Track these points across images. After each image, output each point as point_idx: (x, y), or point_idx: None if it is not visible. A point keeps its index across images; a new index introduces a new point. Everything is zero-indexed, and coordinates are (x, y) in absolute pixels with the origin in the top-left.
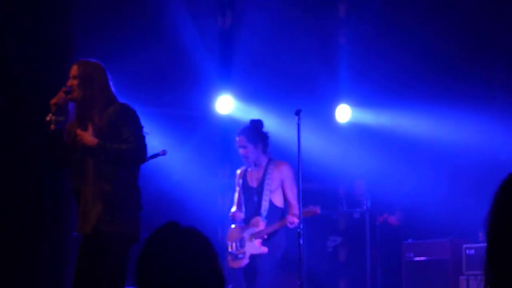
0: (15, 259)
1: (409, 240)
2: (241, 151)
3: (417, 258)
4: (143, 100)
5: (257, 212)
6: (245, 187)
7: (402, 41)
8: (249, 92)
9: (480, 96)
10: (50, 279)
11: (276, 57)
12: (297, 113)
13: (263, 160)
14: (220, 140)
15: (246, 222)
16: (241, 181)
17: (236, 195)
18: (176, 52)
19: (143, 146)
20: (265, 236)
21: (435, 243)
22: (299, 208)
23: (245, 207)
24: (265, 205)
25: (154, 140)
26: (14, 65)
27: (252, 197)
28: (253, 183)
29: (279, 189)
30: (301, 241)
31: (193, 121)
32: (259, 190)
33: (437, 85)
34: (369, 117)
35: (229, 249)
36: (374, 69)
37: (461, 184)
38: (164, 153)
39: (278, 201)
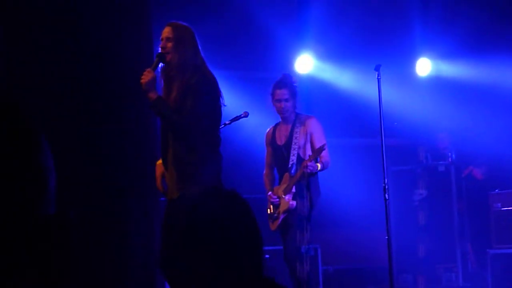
0: (107, 219)
1: (496, 191)
2: (282, 104)
3: (505, 208)
4: (222, 64)
5: (286, 168)
6: (274, 146)
7: None
8: (327, 50)
9: None
10: (140, 238)
11: (354, 12)
12: (377, 68)
13: (292, 116)
14: (301, 100)
15: (280, 181)
16: (270, 140)
17: (267, 156)
18: (253, 14)
19: (194, 123)
20: (293, 190)
21: None
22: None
23: (276, 166)
24: (292, 159)
25: (235, 102)
26: (91, 33)
27: (281, 154)
28: (282, 140)
29: (308, 143)
30: (386, 196)
31: (273, 82)
32: (288, 146)
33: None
34: (450, 70)
35: (268, 212)
36: (454, 21)
37: None
38: (246, 115)
39: (308, 155)
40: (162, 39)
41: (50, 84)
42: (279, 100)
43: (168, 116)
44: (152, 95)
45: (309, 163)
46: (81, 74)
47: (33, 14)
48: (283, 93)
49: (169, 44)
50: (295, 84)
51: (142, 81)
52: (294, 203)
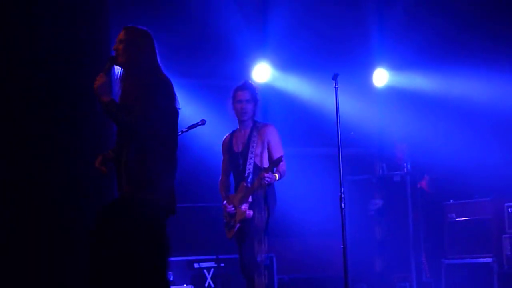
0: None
1: (451, 201)
2: (243, 105)
3: (459, 218)
4: (180, 71)
5: (242, 177)
6: (231, 153)
7: (438, 3)
8: (285, 59)
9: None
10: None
11: (312, 23)
12: (334, 77)
13: (249, 123)
14: (259, 108)
15: (235, 189)
16: (227, 147)
17: (223, 163)
18: (212, 22)
19: (144, 124)
20: (250, 199)
21: (476, 202)
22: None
23: (233, 173)
24: (249, 168)
25: (192, 110)
26: (47, 38)
27: (238, 162)
28: (238, 148)
29: (265, 151)
30: (342, 204)
31: (230, 90)
32: (244, 154)
33: (473, 46)
34: (406, 80)
35: (224, 220)
36: (410, 32)
37: (500, 143)
38: (203, 122)
39: (265, 163)
40: (116, 42)
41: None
42: (240, 101)
43: (120, 118)
44: (105, 98)
45: (266, 175)
46: (36, 76)
47: None
48: (244, 94)
49: (120, 46)
50: (256, 92)
51: (94, 85)
52: (251, 212)
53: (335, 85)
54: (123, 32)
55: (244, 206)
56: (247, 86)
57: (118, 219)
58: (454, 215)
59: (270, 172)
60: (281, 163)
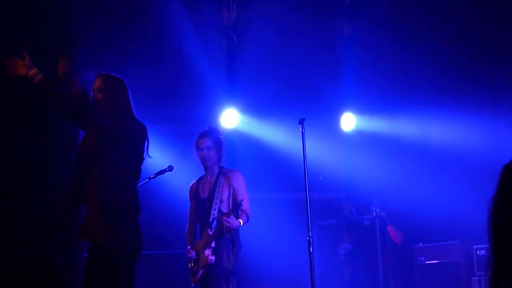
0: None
1: (420, 244)
2: (204, 152)
3: (429, 261)
4: (148, 118)
5: (207, 223)
6: (197, 199)
7: (405, 48)
8: (254, 104)
9: (485, 99)
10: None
11: (280, 68)
12: (301, 122)
13: (215, 169)
14: (226, 154)
15: (200, 235)
16: (194, 194)
17: (190, 210)
18: (180, 68)
19: (94, 114)
20: (213, 245)
21: (445, 245)
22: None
23: (199, 220)
24: (213, 214)
25: (161, 156)
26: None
27: (203, 208)
28: (204, 194)
29: (231, 197)
30: (311, 249)
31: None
32: (210, 200)
33: (442, 90)
34: (374, 124)
35: (189, 266)
36: (377, 76)
37: (468, 186)
38: (170, 169)
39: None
40: (93, 90)
41: None
42: (202, 149)
43: (57, 100)
44: (37, 75)
45: (226, 219)
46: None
47: None
48: (205, 141)
49: (99, 95)
50: (220, 136)
51: (11, 68)
52: (213, 258)
53: (302, 130)
54: (100, 80)
55: (207, 252)
56: (208, 133)
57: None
58: (423, 258)
59: (232, 217)
60: (246, 208)
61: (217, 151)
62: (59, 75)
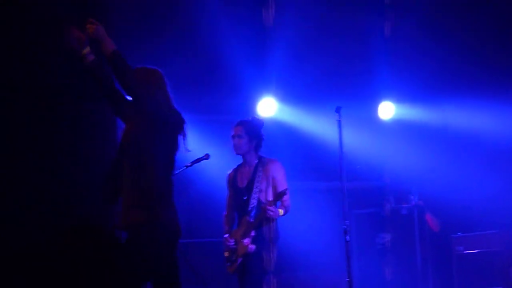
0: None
1: (458, 234)
2: (235, 140)
3: (467, 251)
4: (185, 107)
5: (246, 212)
6: (235, 188)
7: (443, 37)
8: (291, 93)
9: None
10: None
11: (317, 56)
12: (338, 110)
13: (254, 159)
14: (265, 142)
15: (238, 224)
16: (231, 183)
17: (228, 198)
18: (218, 57)
19: (147, 100)
20: (252, 234)
21: (484, 235)
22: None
23: (236, 208)
24: (252, 203)
25: (198, 145)
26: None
27: (242, 197)
28: (243, 183)
29: (270, 188)
30: (347, 238)
31: None
32: (249, 189)
33: (479, 79)
34: (412, 113)
35: (225, 255)
36: (414, 66)
37: (509, 175)
38: (207, 157)
39: (269, 199)
40: None
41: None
42: (233, 136)
43: (126, 74)
44: (110, 46)
45: (270, 208)
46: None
47: None
48: (237, 129)
49: None
50: (258, 127)
51: (91, 29)
52: (254, 247)
53: (339, 118)
54: (137, 72)
55: (247, 241)
56: (242, 122)
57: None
58: (462, 247)
59: (274, 207)
60: (286, 199)
61: (249, 141)
62: (94, 31)
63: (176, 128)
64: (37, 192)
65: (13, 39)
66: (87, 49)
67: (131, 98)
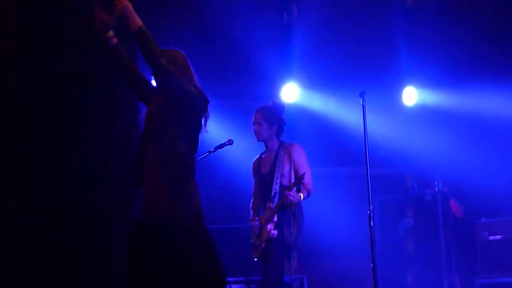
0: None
1: (483, 219)
2: (255, 127)
3: (492, 237)
4: (209, 92)
5: (269, 197)
6: (259, 175)
7: (466, 22)
8: (314, 78)
9: None
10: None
11: (340, 41)
12: (361, 94)
13: (275, 144)
14: (287, 128)
15: (263, 210)
16: (256, 169)
17: (254, 185)
18: (240, 43)
19: (178, 83)
20: (275, 219)
21: (509, 220)
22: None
23: (261, 194)
24: (275, 188)
25: (221, 130)
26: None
27: (265, 183)
28: (266, 169)
29: (292, 171)
30: (371, 223)
31: None
32: (271, 175)
33: (502, 63)
34: (436, 99)
35: (252, 241)
36: (439, 51)
37: None
38: (230, 142)
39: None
40: None
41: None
42: (253, 123)
43: (153, 52)
44: (137, 21)
45: (288, 193)
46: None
47: None
48: (256, 116)
49: None
50: (277, 112)
51: (119, 6)
52: (276, 232)
53: (363, 103)
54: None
55: (270, 226)
56: (261, 108)
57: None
58: (486, 233)
59: (294, 191)
60: (307, 182)
61: (269, 127)
62: (122, 7)
63: (201, 107)
64: (62, 180)
65: (41, 23)
66: (111, 32)
67: (155, 74)
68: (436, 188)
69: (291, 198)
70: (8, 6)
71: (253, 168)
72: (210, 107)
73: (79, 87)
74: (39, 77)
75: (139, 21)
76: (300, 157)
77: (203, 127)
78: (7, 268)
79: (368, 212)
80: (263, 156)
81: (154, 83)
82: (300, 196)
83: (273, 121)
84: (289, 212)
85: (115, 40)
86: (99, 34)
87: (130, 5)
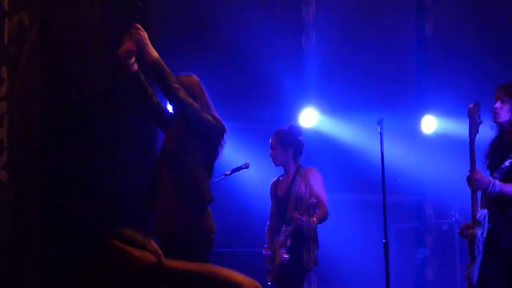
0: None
1: None
2: (270, 152)
3: None
4: (227, 115)
5: (284, 221)
6: (276, 197)
7: (486, 50)
8: (332, 104)
9: None
10: None
11: (360, 68)
12: (379, 122)
13: (292, 168)
14: (305, 153)
15: (278, 233)
16: (273, 192)
17: (271, 208)
18: (259, 68)
19: (192, 108)
20: (288, 243)
21: None
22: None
23: (277, 217)
24: (290, 211)
25: (238, 154)
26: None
27: (280, 206)
28: (282, 191)
29: (308, 196)
30: (386, 252)
31: None
32: (286, 198)
33: None
34: (455, 127)
35: (267, 265)
36: (458, 79)
37: None
38: (247, 166)
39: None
40: None
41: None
42: (269, 148)
43: (169, 83)
44: (153, 53)
45: (299, 217)
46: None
47: None
48: (271, 140)
49: None
50: (292, 135)
51: (135, 36)
52: (288, 256)
53: (380, 130)
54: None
55: (283, 250)
56: (275, 133)
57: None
58: None
59: (306, 215)
60: (322, 206)
61: (283, 151)
62: (138, 38)
63: (218, 136)
64: (76, 199)
65: (64, 45)
66: (132, 59)
67: (173, 106)
68: (453, 218)
69: (301, 222)
70: (30, 24)
71: (270, 190)
72: (226, 134)
73: (97, 110)
74: (62, 95)
75: (154, 53)
76: (317, 181)
77: (219, 154)
78: (23, 271)
79: (384, 240)
80: (280, 178)
81: (170, 108)
82: (314, 221)
83: (288, 144)
84: (303, 236)
85: (135, 67)
86: (121, 60)
87: (145, 36)
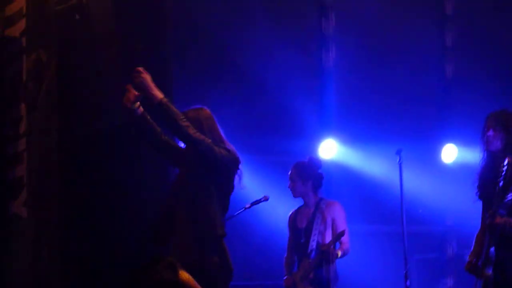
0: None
1: None
2: (288, 184)
3: None
4: (246, 148)
5: (305, 254)
6: (295, 229)
7: (508, 79)
8: (352, 135)
9: None
10: None
11: (379, 98)
12: (398, 152)
13: (313, 200)
14: (324, 184)
15: (298, 266)
16: (292, 224)
17: (289, 239)
18: (279, 101)
19: (212, 149)
20: (311, 276)
21: None
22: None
23: (296, 250)
24: (312, 245)
25: (257, 187)
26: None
27: (300, 238)
28: (302, 224)
29: (329, 229)
30: (408, 283)
31: None
32: (308, 231)
33: None
34: (476, 157)
35: None
36: (478, 109)
37: None
38: (266, 199)
39: (327, 241)
40: None
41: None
42: (288, 179)
43: (177, 121)
44: (158, 94)
45: (326, 249)
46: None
47: None
48: (290, 173)
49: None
50: (312, 167)
51: (137, 80)
52: None
53: (399, 161)
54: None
55: (305, 283)
56: (294, 165)
57: None
58: None
59: (332, 247)
60: (345, 241)
61: (302, 183)
62: (141, 80)
63: (232, 169)
64: (96, 235)
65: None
66: (137, 104)
67: (185, 144)
68: None
69: (332, 256)
70: (48, 61)
71: (289, 221)
72: (241, 166)
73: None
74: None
75: (158, 94)
76: (339, 215)
77: (234, 187)
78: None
79: (404, 271)
80: (300, 210)
81: (182, 144)
82: (338, 254)
83: (307, 177)
84: (325, 269)
85: (141, 110)
86: (126, 107)
87: (148, 78)
